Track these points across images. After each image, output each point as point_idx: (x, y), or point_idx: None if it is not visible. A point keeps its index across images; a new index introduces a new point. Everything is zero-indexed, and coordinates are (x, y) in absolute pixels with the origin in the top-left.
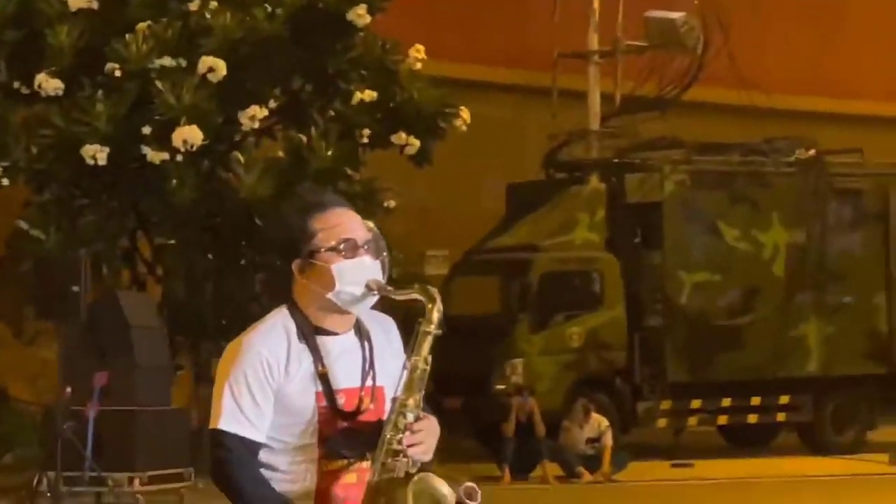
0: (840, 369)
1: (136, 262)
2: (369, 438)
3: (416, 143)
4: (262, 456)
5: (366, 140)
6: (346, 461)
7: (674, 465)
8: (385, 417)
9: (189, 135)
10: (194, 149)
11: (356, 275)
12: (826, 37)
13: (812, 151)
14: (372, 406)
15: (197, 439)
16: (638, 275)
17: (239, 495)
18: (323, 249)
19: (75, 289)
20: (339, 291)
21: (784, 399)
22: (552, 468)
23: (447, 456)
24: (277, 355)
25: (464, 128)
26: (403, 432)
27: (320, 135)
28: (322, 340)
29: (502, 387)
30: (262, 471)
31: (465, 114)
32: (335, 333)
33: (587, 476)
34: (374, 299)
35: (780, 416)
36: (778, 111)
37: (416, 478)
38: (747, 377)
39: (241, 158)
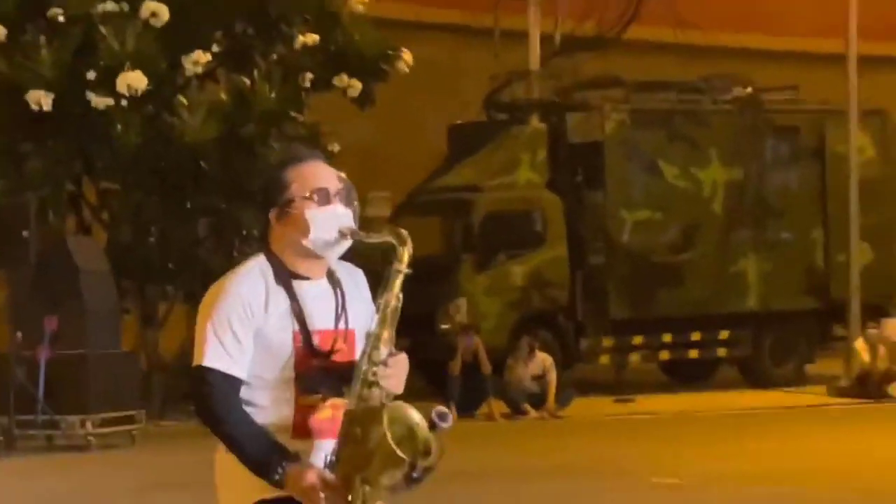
0: (778, 304)
1: (82, 208)
2: (341, 377)
3: (359, 85)
4: (243, 392)
5: (309, 83)
6: (320, 397)
7: (616, 401)
8: (356, 358)
9: (133, 80)
10: (139, 94)
11: (329, 222)
12: None
13: (749, 89)
14: (344, 347)
15: (146, 382)
16: (580, 214)
17: (222, 428)
18: (298, 198)
19: (25, 234)
20: (314, 238)
21: (724, 334)
22: (498, 405)
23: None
24: (257, 296)
25: (406, 70)
26: (378, 365)
27: (263, 77)
28: (297, 284)
29: (447, 326)
30: (244, 406)
31: (407, 56)
32: (308, 278)
33: (532, 412)
34: (346, 244)
35: (721, 352)
36: (715, 49)
37: (390, 406)
38: (688, 313)
39: (186, 102)
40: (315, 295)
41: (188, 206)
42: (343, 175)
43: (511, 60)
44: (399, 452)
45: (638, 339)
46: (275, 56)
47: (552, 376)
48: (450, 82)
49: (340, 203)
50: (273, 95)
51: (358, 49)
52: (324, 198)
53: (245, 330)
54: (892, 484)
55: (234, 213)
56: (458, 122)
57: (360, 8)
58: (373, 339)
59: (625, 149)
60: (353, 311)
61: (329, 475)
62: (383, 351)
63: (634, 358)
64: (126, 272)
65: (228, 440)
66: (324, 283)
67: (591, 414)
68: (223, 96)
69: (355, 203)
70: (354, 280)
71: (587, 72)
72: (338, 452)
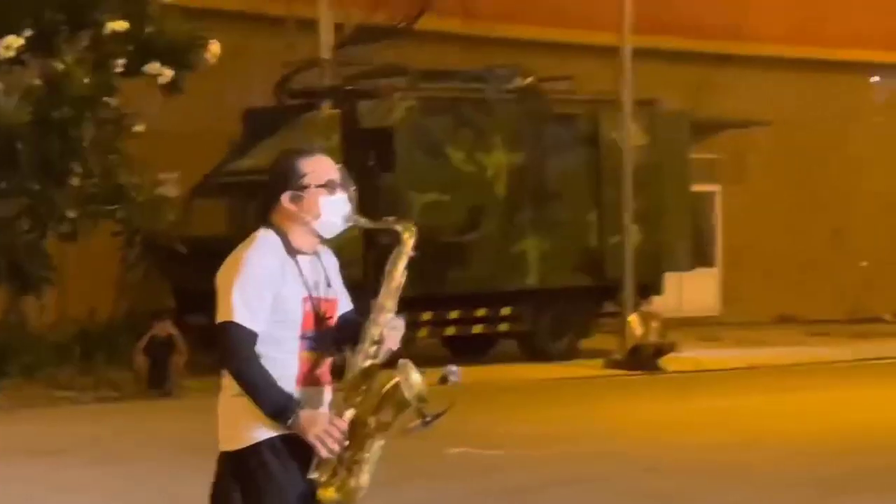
0: (556, 282)
1: None
2: (331, 337)
3: (170, 73)
4: (258, 346)
5: (120, 69)
6: (317, 353)
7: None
8: (335, 322)
9: None
10: None
11: (336, 208)
12: None
13: (529, 79)
14: (333, 313)
15: None
16: (372, 196)
17: (245, 376)
18: (313, 185)
19: None
20: (324, 220)
21: (506, 310)
22: None
23: (197, 370)
24: (275, 265)
25: (214, 60)
26: (382, 328)
27: (76, 63)
28: (300, 259)
29: None
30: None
31: (214, 47)
32: (305, 254)
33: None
34: (345, 227)
35: (503, 327)
36: (499, 40)
37: (400, 361)
38: (473, 290)
39: (1, 85)
40: (309, 267)
41: (2, 186)
42: (339, 166)
43: (303, 48)
44: (408, 396)
45: (426, 316)
46: (85, 43)
47: None
48: (243, 68)
49: (342, 192)
50: (86, 81)
51: (167, 38)
52: (333, 187)
53: (267, 293)
54: (652, 440)
55: (47, 193)
56: (252, 107)
57: None
58: (378, 306)
59: (414, 134)
60: (334, 281)
61: (338, 419)
62: (388, 317)
63: (422, 333)
64: None
65: (250, 386)
66: (313, 257)
67: None
68: (36, 81)
69: (352, 190)
70: (327, 254)
71: (379, 60)
72: (346, 399)
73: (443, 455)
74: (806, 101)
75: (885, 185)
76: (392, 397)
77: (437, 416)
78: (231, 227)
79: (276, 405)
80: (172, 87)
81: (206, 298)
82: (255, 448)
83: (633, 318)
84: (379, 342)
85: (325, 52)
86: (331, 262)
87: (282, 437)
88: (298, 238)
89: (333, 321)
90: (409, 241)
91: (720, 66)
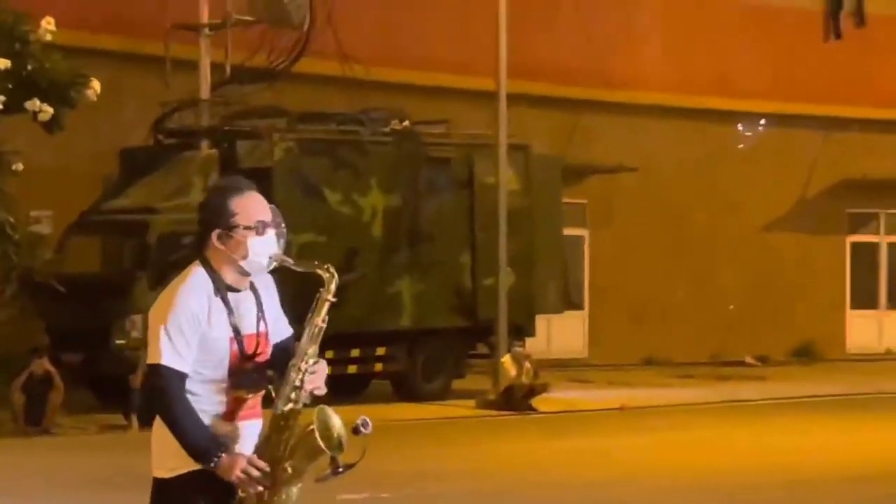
0: (430, 322)
1: None
2: (261, 374)
3: (50, 110)
4: (186, 385)
5: (1, 106)
6: (245, 391)
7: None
8: (269, 357)
9: None
10: None
11: (264, 248)
12: (409, 13)
13: (406, 122)
14: (265, 349)
15: None
16: None
17: (171, 416)
18: (241, 226)
19: None
20: (251, 260)
21: (381, 350)
22: None
23: (72, 407)
24: (202, 308)
25: (94, 98)
26: (303, 374)
27: None
28: (231, 296)
29: (122, 342)
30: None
31: (95, 84)
32: (238, 290)
33: None
34: (272, 266)
35: (377, 367)
36: (375, 83)
37: (318, 408)
38: (348, 330)
39: None
40: (242, 303)
41: None
42: (272, 206)
43: (181, 88)
44: (321, 444)
45: None
46: None
47: None
48: (119, 107)
49: (272, 231)
50: None
51: (49, 75)
52: (262, 228)
53: (192, 335)
54: (528, 479)
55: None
56: (129, 146)
57: (49, 37)
58: (301, 353)
59: (292, 175)
60: (268, 312)
61: (258, 461)
62: (311, 361)
63: None
64: None
65: (175, 427)
66: (248, 292)
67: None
68: None
69: (282, 226)
70: (265, 283)
71: (257, 101)
72: (267, 441)
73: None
74: (672, 147)
75: (748, 231)
76: (307, 444)
77: (349, 466)
78: (106, 266)
79: (199, 447)
80: (53, 124)
81: (80, 336)
82: (178, 479)
83: (507, 359)
84: (300, 387)
85: (204, 92)
86: (265, 286)
87: (204, 472)
88: (229, 275)
89: (265, 355)
90: (330, 286)
91: (589, 112)
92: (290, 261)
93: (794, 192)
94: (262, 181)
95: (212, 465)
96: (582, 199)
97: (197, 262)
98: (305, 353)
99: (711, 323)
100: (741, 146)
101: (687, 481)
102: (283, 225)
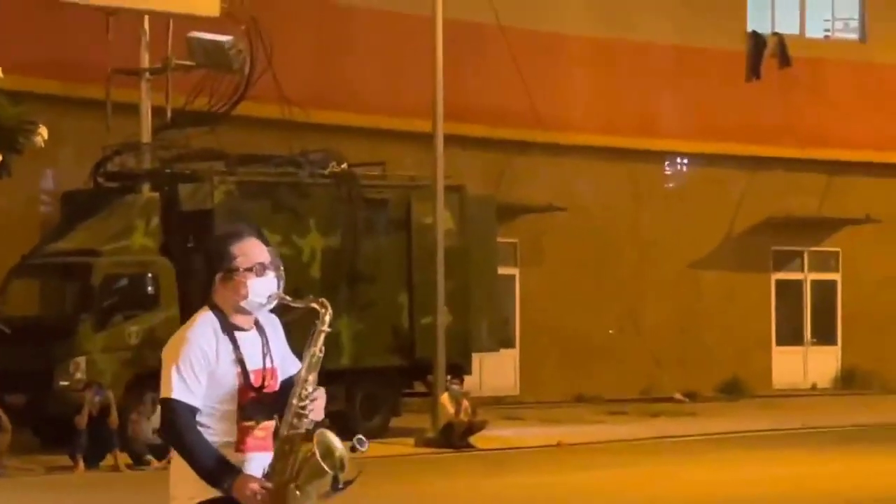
0: (369, 361)
1: None
2: (270, 405)
3: None
4: (198, 417)
5: None
6: (255, 421)
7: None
8: (278, 389)
9: None
10: None
11: (263, 288)
12: (346, 57)
13: (344, 164)
14: (272, 382)
15: None
16: (191, 277)
17: (184, 446)
18: (242, 269)
19: None
20: (251, 300)
21: None
22: (123, 457)
23: (18, 449)
24: (210, 347)
25: (42, 145)
26: (305, 401)
27: None
28: (237, 335)
29: (66, 383)
30: (198, 427)
31: (43, 131)
32: (244, 329)
33: (155, 463)
34: (272, 305)
35: None
36: (313, 125)
37: (317, 432)
38: None
39: None
40: (248, 341)
41: None
42: (271, 248)
43: (121, 131)
44: (324, 465)
45: None
46: None
47: None
48: (59, 150)
49: (271, 272)
50: None
51: None
52: (261, 270)
53: (202, 372)
54: None
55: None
56: (70, 189)
57: None
58: (301, 381)
59: (232, 217)
60: (275, 351)
61: (267, 483)
62: (310, 388)
63: None
64: None
65: (188, 455)
66: (254, 331)
67: None
68: None
69: (280, 268)
70: (272, 324)
71: (198, 145)
72: (274, 466)
73: None
74: (601, 187)
75: (675, 268)
76: (310, 465)
77: (349, 482)
78: (46, 308)
79: (212, 472)
80: (1, 171)
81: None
82: None
83: (445, 397)
84: (301, 414)
85: (145, 136)
86: (272, 326)
87: (219, 500)
88: (234, 315)
89: (273, 388)
90: (325, 318)
91: (520, 153)
92: (289, 298)
93: (720, 230)
94: (203, 223)
95: (225, 486)
96: (513, 238)
97: (205, 306)
98: (305, 381)
99: (640, 360)
100: (668, 185)
101: None
102: (282, 267)
